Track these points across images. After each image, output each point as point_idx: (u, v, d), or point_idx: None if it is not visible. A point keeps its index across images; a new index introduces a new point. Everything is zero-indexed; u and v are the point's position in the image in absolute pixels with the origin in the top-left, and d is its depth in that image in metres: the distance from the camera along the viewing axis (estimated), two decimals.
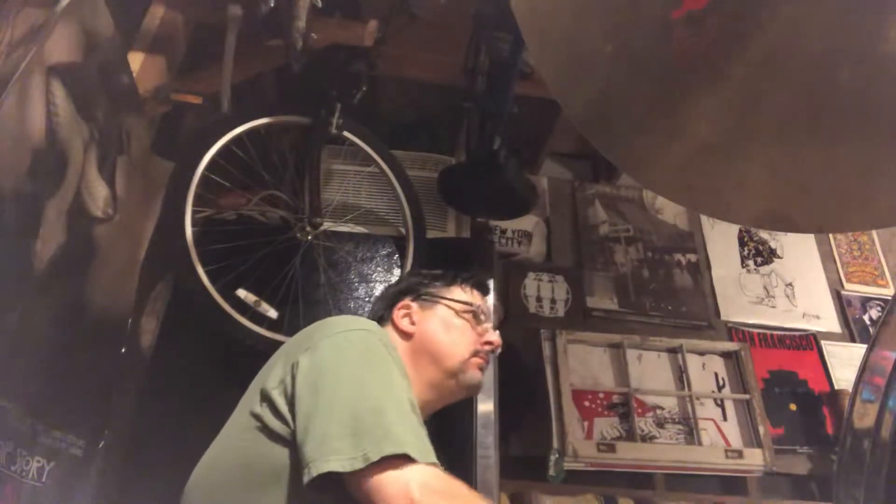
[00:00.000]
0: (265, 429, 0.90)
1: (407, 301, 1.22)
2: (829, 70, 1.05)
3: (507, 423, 1.94)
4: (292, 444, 0.86)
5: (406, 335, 1.18)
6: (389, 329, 1.20)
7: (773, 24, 1.05)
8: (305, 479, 0.79)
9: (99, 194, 1.62)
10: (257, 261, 1.88)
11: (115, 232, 1.72)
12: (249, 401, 0.97)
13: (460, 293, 1.24)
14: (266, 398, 0.92)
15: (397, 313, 1.21)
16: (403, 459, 0.78)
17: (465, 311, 1.21)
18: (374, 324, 1.04)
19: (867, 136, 1.12)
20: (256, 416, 0.92)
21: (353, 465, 0.77)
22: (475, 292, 1.25)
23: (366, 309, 2.08)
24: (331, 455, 0.78)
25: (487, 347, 1.20)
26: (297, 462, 0.83)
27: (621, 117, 1.29)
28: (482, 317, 1.23)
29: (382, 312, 1.24)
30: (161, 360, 1.91)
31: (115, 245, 1.74)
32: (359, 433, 0.80)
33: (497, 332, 1.24)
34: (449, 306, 1.21)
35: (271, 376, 0.94)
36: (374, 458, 0.77)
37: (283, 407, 0.90)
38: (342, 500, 0.80)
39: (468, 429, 1.83)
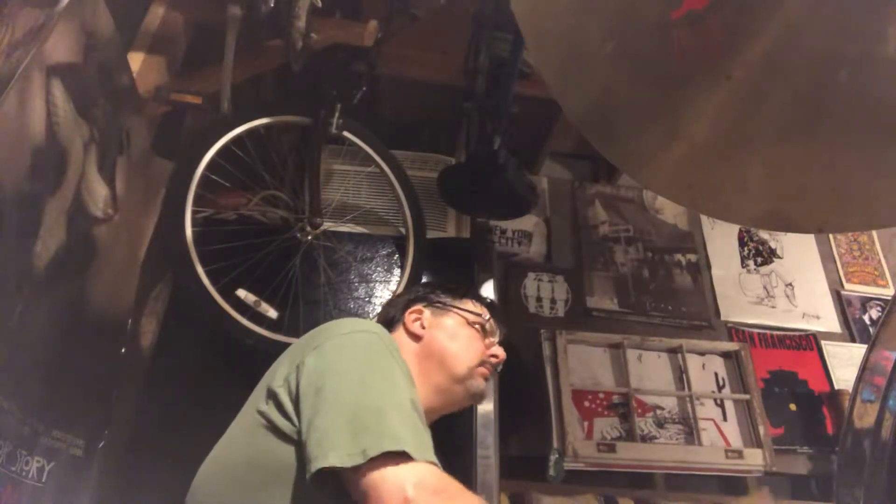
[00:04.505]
0: (271, 426, 0.91)
1: (419, 307, 1.26)
2: (829, 70, 1.05)
3: (507, 423, 1.94)
4: (297, 442, 0.87)
5: (416, 338, 1.21)
6: (400, 332, 1.23)
7: (773, 24, 1.05)
8: (307, 475, 0.79)
9: (99, 194, 1.61)
10: (257, 261, 1.88)
11: (115, 232, 1.72)
12: (256, 399, 0.98)
13: (471, 305, 1.28)
14: (272, 396, 0.93)
15: (409, 317, 1.24)
16: (402, 457, 0.78)
17: (475, 322, 1.25)
18: (379, 327, 1.05)
19: (867, 137, 1.12)
20: (262, 414, 0.93)
21: (352, 460, 0.77)
22: (484, 308, 1.30)
23: (366, 309, 2.08)
24: (330, 451, 0.79)
25: (494, 360, 1.24)
26: (303, 461, 0.83)
27: (621, 117, 1.29)
28: (490, 330, 1.27)
29: (393, 315, 1.27)
30: (161, 360, 1.91)
31: (115, 245, 1.73)
32: (358, 430, 0.80)
33: (501, 348, 1.28)
34: (460, 314, 1.25)
35: (277, 375, 0.96)
36: (373, 453, 0.77)
37: (288, 405, 0.90)
38: (346, 499, 0.81)
39: (468, 429, 1.83)
